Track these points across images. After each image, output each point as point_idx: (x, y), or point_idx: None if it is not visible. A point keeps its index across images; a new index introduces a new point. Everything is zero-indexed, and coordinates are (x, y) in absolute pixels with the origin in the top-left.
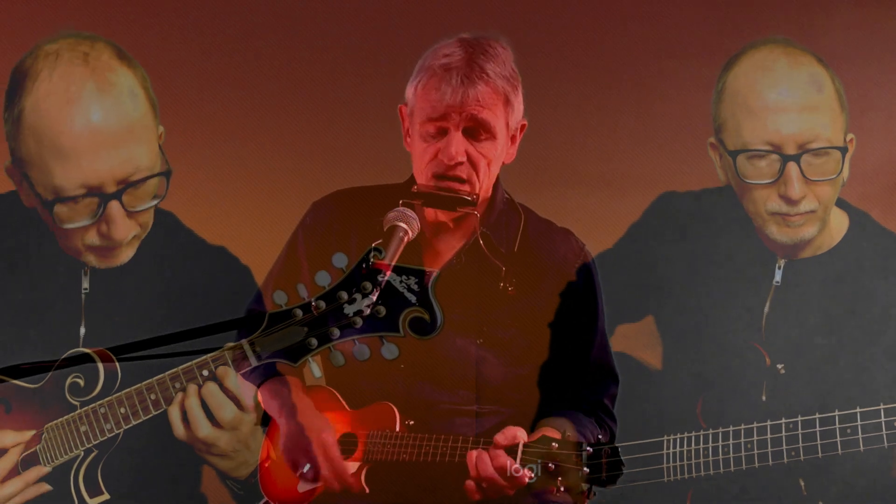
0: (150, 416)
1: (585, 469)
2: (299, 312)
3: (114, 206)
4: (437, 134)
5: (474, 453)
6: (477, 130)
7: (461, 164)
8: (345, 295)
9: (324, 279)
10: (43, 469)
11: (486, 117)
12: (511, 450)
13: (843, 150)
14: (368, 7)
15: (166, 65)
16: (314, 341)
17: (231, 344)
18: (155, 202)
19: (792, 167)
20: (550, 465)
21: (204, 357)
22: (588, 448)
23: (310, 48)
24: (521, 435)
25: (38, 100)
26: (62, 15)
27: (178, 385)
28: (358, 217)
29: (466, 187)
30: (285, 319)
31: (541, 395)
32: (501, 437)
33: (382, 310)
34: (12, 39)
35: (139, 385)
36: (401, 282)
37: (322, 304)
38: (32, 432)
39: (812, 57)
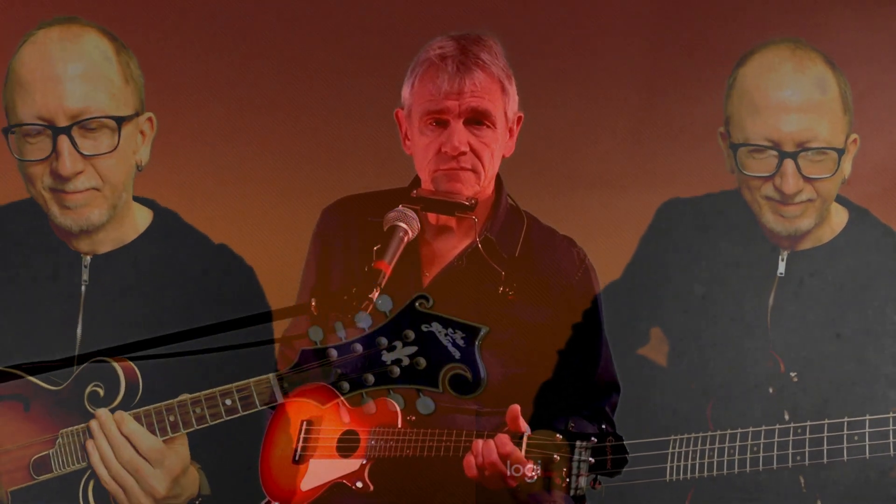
0: (167, 437)
1: (591, 459)
2: (334, 353)
3: (62, 140)
4: (436, 126)
5: (480, 441)
6: (477, 120)
7: (465, 154)
8: (384, 341)
9: (364, 321)
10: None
11: (485, 106)
12: (516, 441)
13: (841, 152)
14: (370, 7)
15: (167, 64)
16: (346, 385)
17: (258, 378)
18: (107, 151)
19: (788, 163)
20: (556, 455)
21: (229, 386)
22: (593, 438)
23: (312, 48)
24: (523, 424)
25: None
26: (61, 10)
27: (198, 410)
28: (361, 222)
29: (472, 176)
30: (319, 357)
31: (535, 410)
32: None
33: (423, 362)
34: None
35: (158, 405)
36: (446, 335)
37: (359, 347)
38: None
39: (820, 58)
